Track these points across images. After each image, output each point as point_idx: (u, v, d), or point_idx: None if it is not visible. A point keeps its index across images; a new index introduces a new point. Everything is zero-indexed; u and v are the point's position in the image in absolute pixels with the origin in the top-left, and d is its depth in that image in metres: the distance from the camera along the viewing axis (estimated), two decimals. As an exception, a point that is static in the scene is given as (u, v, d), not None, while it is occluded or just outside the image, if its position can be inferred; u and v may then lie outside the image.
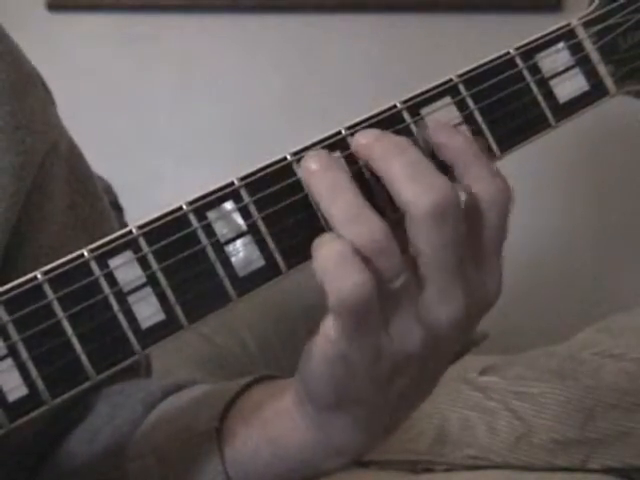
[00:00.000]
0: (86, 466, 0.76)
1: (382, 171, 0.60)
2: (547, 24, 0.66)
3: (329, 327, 0.60)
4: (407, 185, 0.59)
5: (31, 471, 0.80)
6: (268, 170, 0.60)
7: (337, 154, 0.61)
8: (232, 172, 0.61)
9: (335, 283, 0.58)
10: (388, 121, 0.62)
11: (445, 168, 0.61)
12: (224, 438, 0.69)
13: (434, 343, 0.61)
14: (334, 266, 0.58)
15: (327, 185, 0.59)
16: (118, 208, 1.79)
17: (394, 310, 0.59)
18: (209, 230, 0.59)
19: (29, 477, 0.79)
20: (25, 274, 0.58)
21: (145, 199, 1.49)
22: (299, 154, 0.61)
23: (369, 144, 0.61)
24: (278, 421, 0.66)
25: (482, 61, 0.64)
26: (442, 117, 0.63)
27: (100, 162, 0.91)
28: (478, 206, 0.60)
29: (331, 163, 0.60)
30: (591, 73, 0.66)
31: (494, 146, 0.64)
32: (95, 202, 0.85)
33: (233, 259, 0.60)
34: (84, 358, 0.58)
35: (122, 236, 0.59)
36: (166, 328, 0.59)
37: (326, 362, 0.61)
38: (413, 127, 0.63)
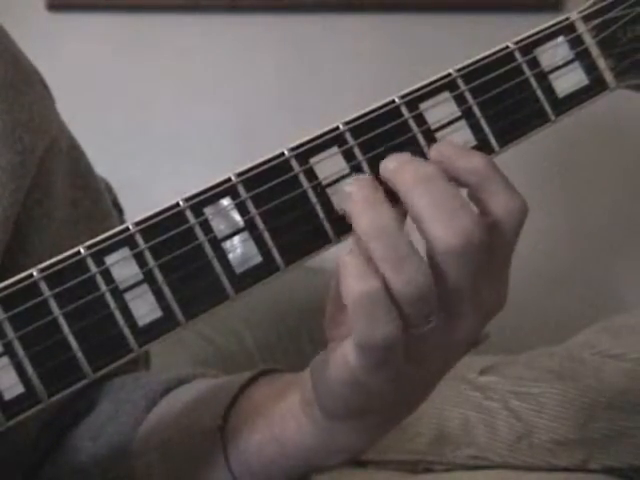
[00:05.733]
0: (91, 462, 0.76)
1: (407, 202, 0.59)
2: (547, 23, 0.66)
3: (349, 353, 0.60)
4: (433, 220, 0.58)
5: (35, 467, 0.80)
6: (265, 166, 0.60)
7: (334, 149, 0.61)
8: (232, 171, 0.61)
9: (366, 326, 0.57)
10: (386, 116, 0.62)
11: None
12: (228, 436, 0.70)
13: (444, 359, 0.62)
14: (367, 308, 0.57)
15: (371, 221, 0.58)
16: (118, 208, 1.79)
17: (417, 343, 0.60)
18: (206, 226, 0.59)
19: (33, 473, 0.79)
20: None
21: (144, 199, 1.49)
22: (296, 150, 0.60)
23: (395, 170, 0.60)
24: (283, 421, 0.67)
25: (481, 55, 0.64)
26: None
27: (99, 161, 0.91)
28: (495, 229, 0.60)
29: (377, 196, 0.59)
30: (591, 67, 0.66)
31: (493, 141, 0.64)
32: (96, 198, 0.85)
33: (230, 256, 0.60)
34: (80, 356, 0.58)
35: (119, 233, 0.59)
36: (163, 325, 0.59)
37: (342, 385, 0.61)
38: (411, 122, 0.62)
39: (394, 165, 0.60)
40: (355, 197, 0.59)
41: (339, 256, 0.58)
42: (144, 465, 0.73)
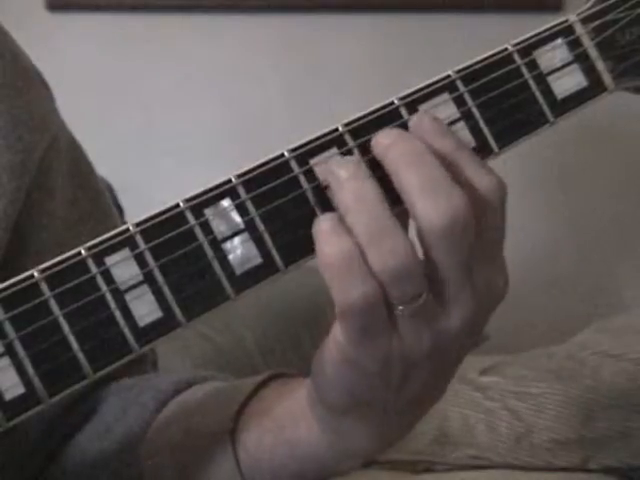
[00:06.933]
0: (98, 462, 0.76)
1: (396, 178, 0.59)
2: (547, 24, 0.66)
3: (336, 331, 0.60)
4: (420, 199, 0.58)
5: (41, 467, 0.80)
6: (265, 167, 0.60)
7: (334, 150, 0.61)
8: (232, 172, 0.61)
9: (342, 288, 0.57)
10: (385, 117, 0.62)
11: None
12: (238, 439, 0.69)
13: (444, 347, 0.61)
14: (341, 269, 0.57)
15: (353, 196, 0.58)
16: (118, 208, 1.79)
17: (404, 316, 0.59)
18: (206, 227, 0.59)
19: (40, 473, 0.79)
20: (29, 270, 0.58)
21: (145, 199, 1.49)
22: (296, 151, 0.61)
23: (387, 146, 0.60)
24: (293, 423, 0.66)
25: (480, 57, 0.64)
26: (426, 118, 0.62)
27: (100, 162, 0.91)
28: (478, 205, 0.60)
29: (359, 171, 0.59)
30: (589, 69, 0.66)
31: (492, 142, 0.64)
32: (97, 197, 0.85)
33: (230, 256, 0.60)
34: (81, 356, 0.58)
35: (119, 234, 0.59)
36: (163, 326, 0.59)
37: (335, 367, 0.61)
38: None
39: (386, 142, 0.60)
40: (338, 172, 0.59)
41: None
42: (154, 466, 0.73)
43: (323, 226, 0.58)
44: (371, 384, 0.61)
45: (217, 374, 0.82)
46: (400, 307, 0.58)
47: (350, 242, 0.57)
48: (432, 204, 0.58)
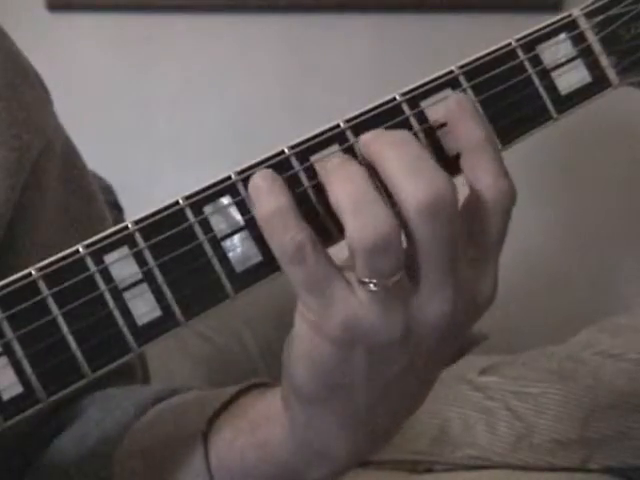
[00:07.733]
0: (74, 466, 0.75)
1: (379, 166, 0.59)
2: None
3: (298, 305, 0.60)
4: (401, 179, 0.57)
5: (17, 471, 0.79)
6: (266, 164, 0.60)
7: (335, 147, 0.61)
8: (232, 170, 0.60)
9: (277, 240, 0.57)
10: (387, 113, 0.62)
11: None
12: (211, 441, 0.69)
13: (418, 338, 0.60)
14: (275, 223, 0.57)
15: (340, 173, 0.58)
16: (118, 208, 1.79)
17: (375, 292, 0.58)
18: (206, 225, 0.59)
19: (17, 475, 0.79)
20: (18, 271, 0.57)
21: (145, 199, 1.49)
22: (297, 147, 0.60)
23: (369, 141, 0.60)
24: (266, 425, 0.66)
25: (483, 52, 0.63)
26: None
27: (100, 162, 0.90)
28: (479, 205, 0.59)
29: (346, 159, 0.59)
30: (593, 64, 0.65)
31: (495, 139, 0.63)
32: (89, 202, 0.85)
33: (230, 254, 0.59)
34: (79, 355, 0.58)
35: (118, 231, 0.58)
36: (163, 325, 0.59)
37: (300, 339, 0.61)
38: (412, 120, 0.62)
39: (369, 137, 0.60)
40: (331, 160, 0.59)
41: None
42: (128, 471, 0.73)
43: (257, 183, 0.59)
44: (339, 362, 0.60)
45: (208, 377, 0.81)
46: (372, 281, 0.57)
47: (285, 198, 0.58)
48: (411, 183, 0.57)
